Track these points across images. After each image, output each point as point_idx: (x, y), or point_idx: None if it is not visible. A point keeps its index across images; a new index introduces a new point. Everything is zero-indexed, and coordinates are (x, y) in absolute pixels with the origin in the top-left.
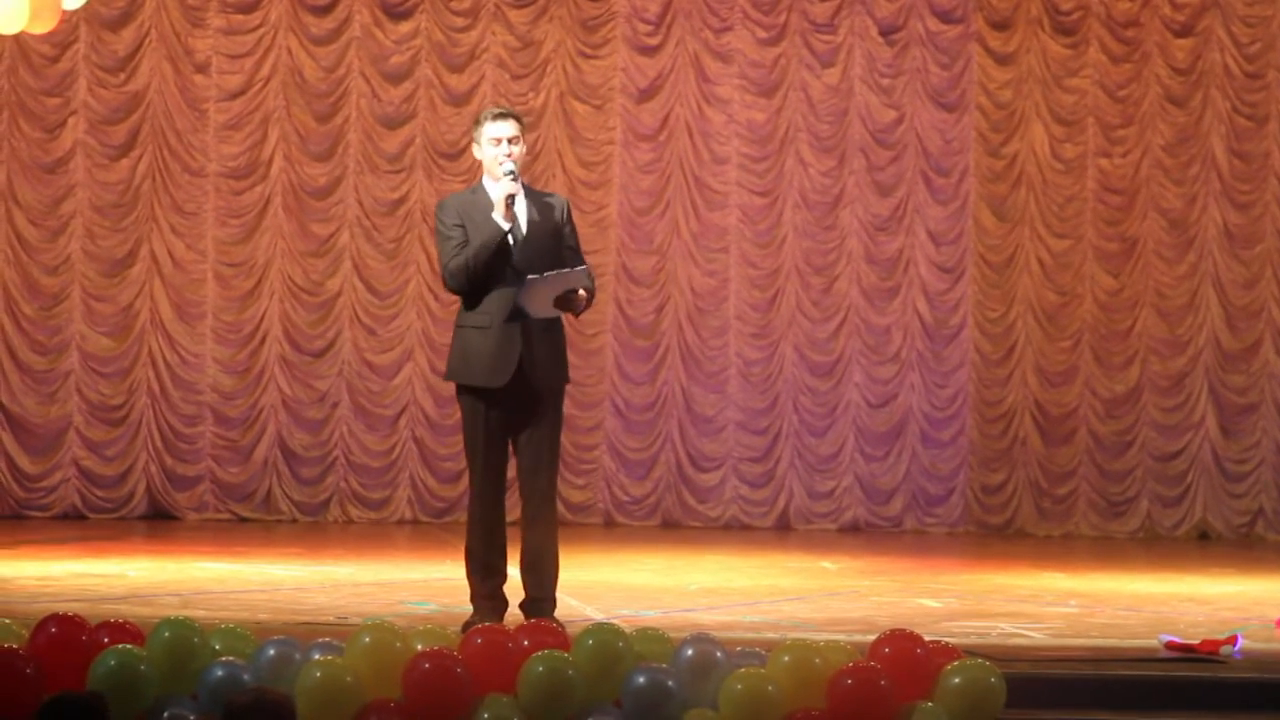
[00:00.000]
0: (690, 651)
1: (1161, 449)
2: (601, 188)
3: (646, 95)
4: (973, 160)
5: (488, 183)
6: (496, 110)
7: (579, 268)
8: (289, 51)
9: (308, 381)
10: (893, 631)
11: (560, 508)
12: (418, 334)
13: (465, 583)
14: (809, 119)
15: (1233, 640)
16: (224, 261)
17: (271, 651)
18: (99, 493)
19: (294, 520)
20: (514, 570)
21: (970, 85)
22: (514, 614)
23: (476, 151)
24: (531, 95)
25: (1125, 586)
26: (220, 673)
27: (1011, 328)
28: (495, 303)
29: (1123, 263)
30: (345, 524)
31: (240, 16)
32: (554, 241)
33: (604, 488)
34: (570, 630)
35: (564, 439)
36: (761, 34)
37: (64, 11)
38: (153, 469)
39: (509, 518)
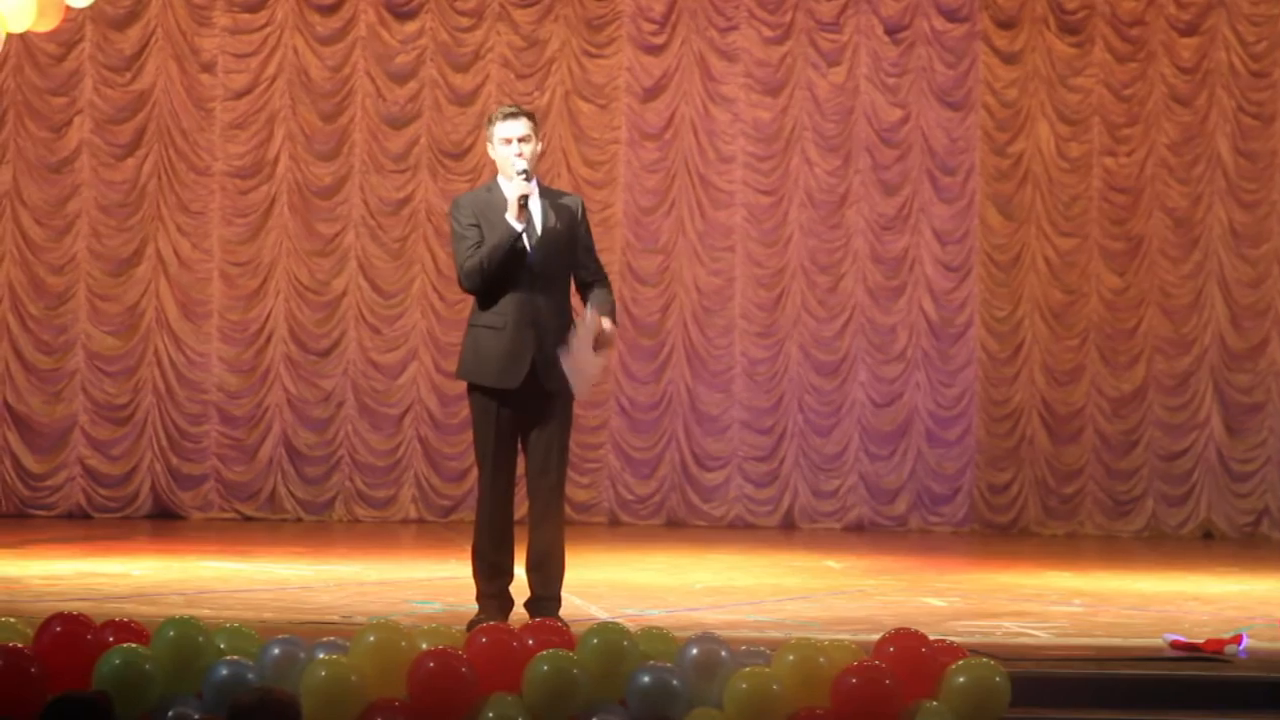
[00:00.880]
0: (695, 651)
1: (1167, 448)
2: (606, 187)
3: (652, 94)
4: (978, 159)
5: (502, 181)
6: (508, 109)
7: (597, 301)
8: (295, 51)
9: (313, 381)
10: (897, 630)
11: (565, 507)
12: (423, 333)
13: (470, 581)
14: (814, 118)
15: (1237, 639)
16: (229, 261)
17: (276, 651)
18: (104, 492)
19: (299, 519)
20: (519, 569)
21: (976, 84)
22: (519, 613)
23: (490, 151)
24: (536, 94)
25: (1130, 586)
26: (225, 672)
27: (1018, 327)
28: (510, 304)
29: (1128, 261)
30: (350, 523)
31: (246, 16)
32: (569, 242)
33: (609, 487)
34: (575, 629)
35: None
36: (767, 33)
37: (68, 9)
38: (158, 468)
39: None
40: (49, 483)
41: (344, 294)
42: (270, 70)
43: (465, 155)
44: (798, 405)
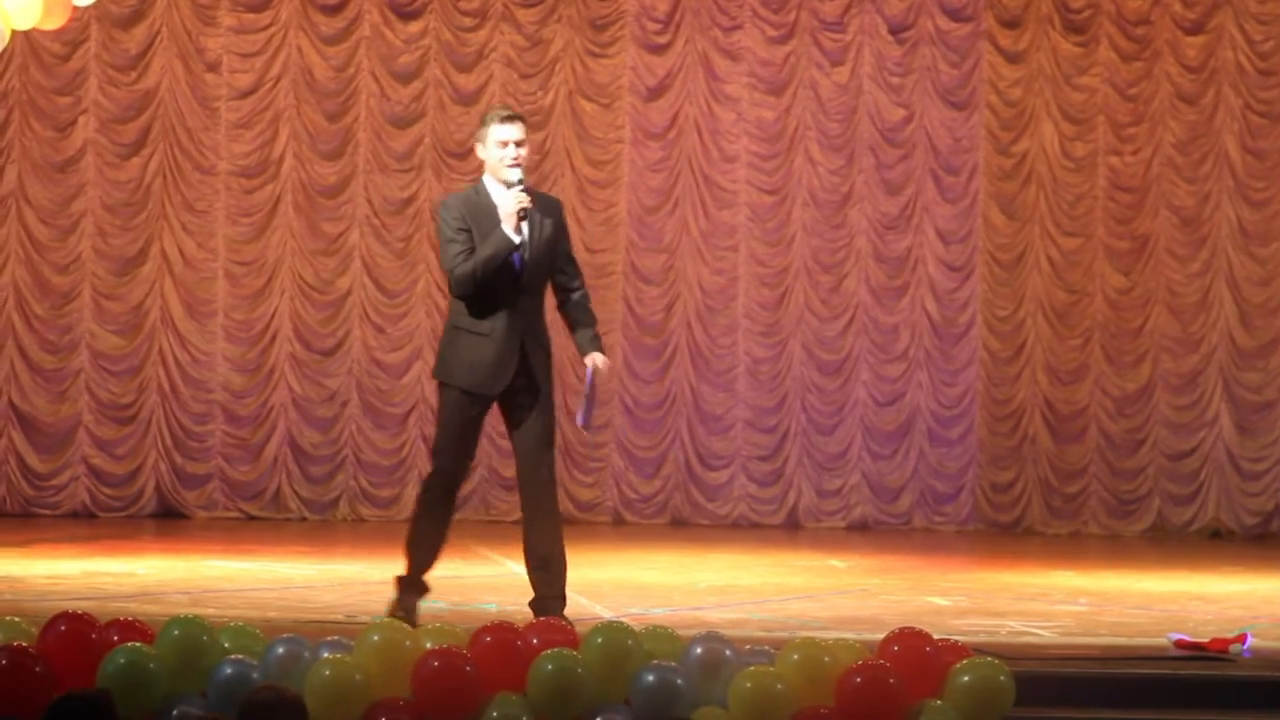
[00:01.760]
0: (699, 650)
1: (1173, 447)
2: (610, 186)
3: (655, 94)
4: (982, 158)
5: (490, 183)
6: (505, 112)
7: (596, 345)
8: (299, 51)
9: (318, 380)
10: (902, 629)
11: (569, 506)
12: (427, 332)
13: (473, 580)
14: (818, 117)
15: (1242, 639)
16: (234, 260)
17: (281, 650)
18: (108, 491)
19: (303, 519)
20: (518, 568)
21: (980, 83)
22: (525, 612)
23: (480, 151)
24: (540, 94)
25: (1135, 585)
26: (230, 671)
27: (1021, 326)
28: (498, 311)
29: (1133, 261)
30: (355, 522)
31: (251, 15)
32: (554, 250)
33: (613, 486)
34: (579, 628)
35: (572, 436)
36: (771, 32)
37: (75, 8)
38: (162, 467)
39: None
40: (54, 482)
41: (349, 293)
42: (275, 70)
43: (469, 155)
44: (801, 404)
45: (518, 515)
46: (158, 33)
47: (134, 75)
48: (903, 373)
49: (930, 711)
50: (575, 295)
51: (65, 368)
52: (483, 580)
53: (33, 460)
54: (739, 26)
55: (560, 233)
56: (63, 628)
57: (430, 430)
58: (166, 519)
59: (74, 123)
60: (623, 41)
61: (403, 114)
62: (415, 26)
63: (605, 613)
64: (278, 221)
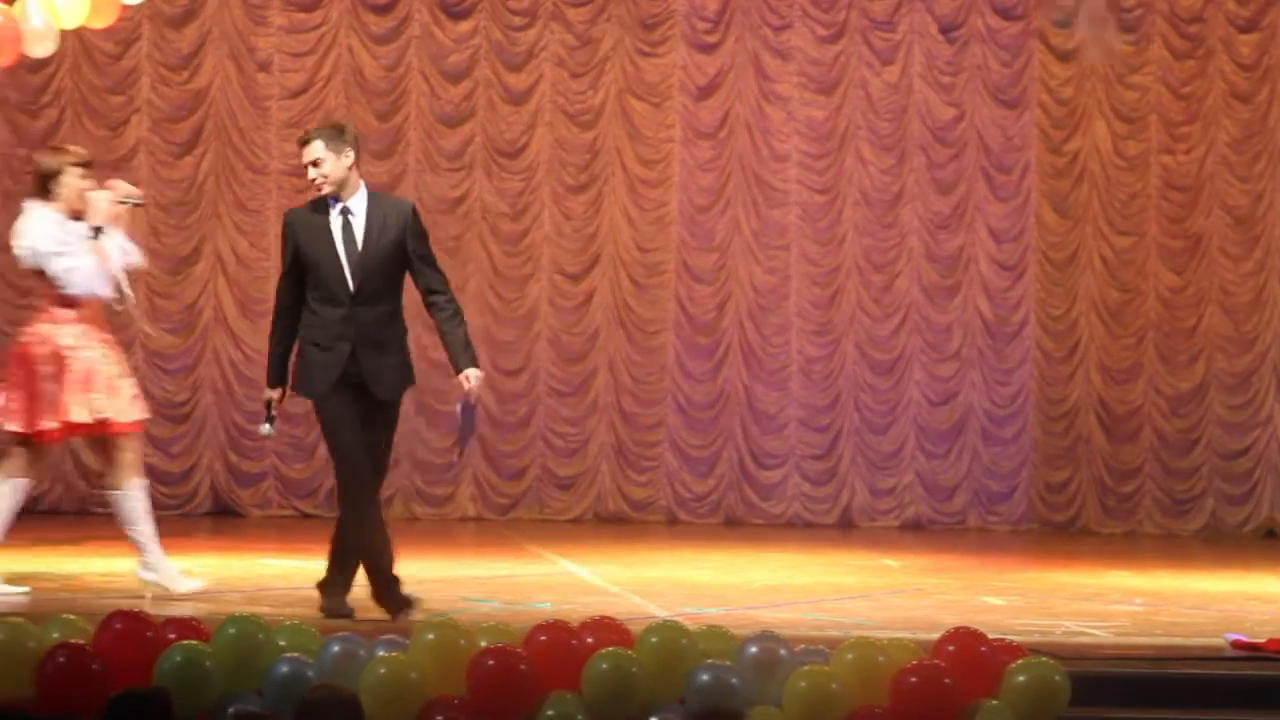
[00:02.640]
0: (754, 649)
1: (1227, 447)
2: (661, 185)
3: (706, 93)
4: (1034, 157)
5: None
6: (300, 136)
7: (464, 364)
8: (350, 50)
9: None
10: (957, 629)
11: (623, 505)
12: (479, 331)
13: (527, 579)
14: (869, 116)
15: None
16: None
17: (336, 648)
18: (163, 489)
19: None
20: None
21: (1031, 82)
22: (580, 611)
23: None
24: (590, 93)
25: (1191, 585)
26: (285, 669)
27: (1074, 325)
28: (332, 321)
29: (1187, 260)
30: (409, 521)
31: (302, 15)
32: (396, 254)
33: (666, 485)
34: (634, 628)
35: (625, 436)
36: (821, 31)
37: (124, 6)
38: (217, 466)
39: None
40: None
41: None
42: (325, 69)
43: (519, 154)
44: (854, 403)
45: (571, 514)
46: (209, 32)
47: (186, 74)
48: (956, 372)
49: (985, 711)
50: (437, 299)
51: None
52: (537, 579)
53: (88, 458)
54: (789, 26)
55: (407, 237)
56: (119, 626)
57: (484, 429)
58: (221, 517)
59: (126, 122)
60: (673, 40)
61: (453, 113)
62: (465, 26)
63: (659, 612)
64: None
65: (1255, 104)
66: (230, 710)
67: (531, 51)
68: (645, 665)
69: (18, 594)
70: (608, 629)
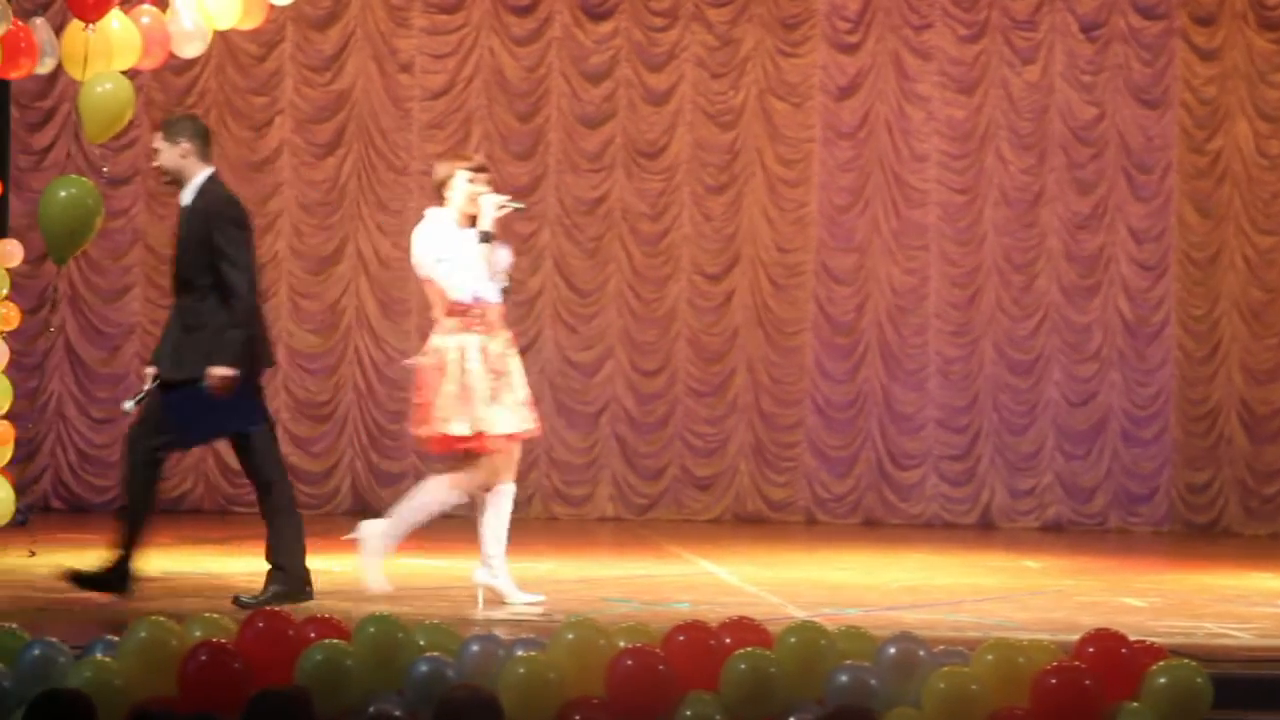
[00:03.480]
0: (893, 650)
1: None
2: (801, 185)
3: (846, 93)
4: (1176, 157)
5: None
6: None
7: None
8: (491, 52)
9: None
10: (1097, 630)
11: (761, 505)
12: (619, 332)
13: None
14: (1009, 116)
15: None
16: None
17: (475, 648)
18: (304, 489)
19: None
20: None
21: (1174, 81)
22: (718, 611)
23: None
24: (731, 94)
25: None
26: (425, 669)
27: (1216, 325)
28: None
29: None
30: (548, 520)
31: (443, 17)
32: (204, 250)
33: (805, 485)
34: (773, 628)
35: (764, 436)
36: (962, 31)
37: (271, 7)
38: (358, 465)
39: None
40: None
41: (540, 293)
42: (467, 71)
43: (660, 154)
44: (992, 404)
45: (710, 514)
46: (352, 34)
47: (329, 76)
48: (1095, 373)
49: (1127, 714)
50: (231, 300)
51: None
52: (676, 579)
53: (230, 458)
54: (930, 25)
55: (214, 233)
56: (261, 625)
57: (622, 429)
58: (362, 516)
59: (270, 123)
60: (813, 41)
61: (593, 114)
62: (606, 27)
63: (798, 613)
64: None
65: None
66: (370, 709)
67: (672, 52)
68: (784, 666)
69: (534, 602)
70: (746, 629)
